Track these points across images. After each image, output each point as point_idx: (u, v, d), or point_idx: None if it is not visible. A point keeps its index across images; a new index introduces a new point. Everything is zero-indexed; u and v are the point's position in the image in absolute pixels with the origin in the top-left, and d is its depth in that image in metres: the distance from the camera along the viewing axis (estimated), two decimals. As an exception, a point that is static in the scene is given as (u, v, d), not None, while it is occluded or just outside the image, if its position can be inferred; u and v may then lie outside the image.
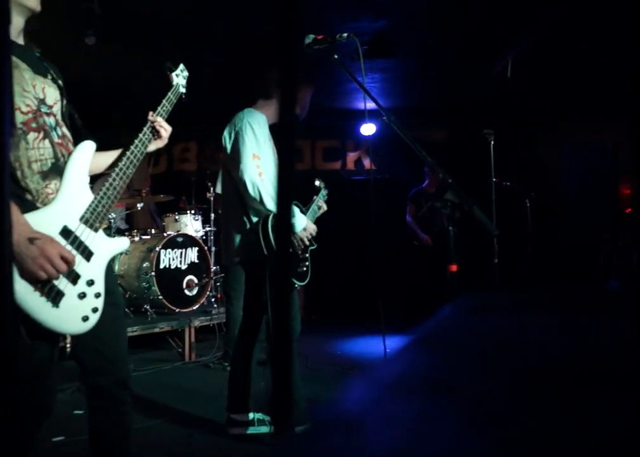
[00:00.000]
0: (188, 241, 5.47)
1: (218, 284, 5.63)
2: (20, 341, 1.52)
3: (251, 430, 2.90)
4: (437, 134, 7.68)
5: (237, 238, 2.83)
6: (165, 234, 5.41)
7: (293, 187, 0.57)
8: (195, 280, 5.41)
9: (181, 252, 5.39)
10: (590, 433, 0.40)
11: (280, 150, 0.58)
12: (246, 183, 2.70)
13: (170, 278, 5.22)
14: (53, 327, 1.56)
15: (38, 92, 1.72)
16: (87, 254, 1.68)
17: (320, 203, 3.27)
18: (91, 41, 4.59)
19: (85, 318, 1.64)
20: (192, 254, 5.48)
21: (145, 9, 4.52)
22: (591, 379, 0.51)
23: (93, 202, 1.71)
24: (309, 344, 5.26)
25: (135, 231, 5.64)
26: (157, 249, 5.11)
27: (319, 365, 4.47)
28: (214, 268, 5.56)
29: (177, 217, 5.74)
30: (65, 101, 1.85)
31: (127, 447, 1.93)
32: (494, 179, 4.26)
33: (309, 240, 2.94)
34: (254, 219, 2.77)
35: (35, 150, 1.65)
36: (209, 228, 5.80)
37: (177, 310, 5.14)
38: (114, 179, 1.76)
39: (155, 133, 1.96)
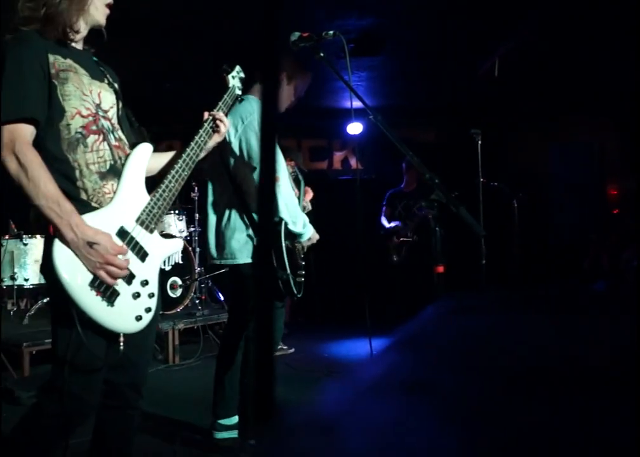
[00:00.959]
0: (171, 242, 5.39)
1: (203, 285, 5.56)
2: (76, 337, 1.58)
3: (219, 435, 2.82)
4: (425, 134, 7.67)
5: (232, 240, 2.66)
6: (148, 235, 5.32)
7: (274, 191, 0.55)
8: (179, 282, 5.34)
9: (165, 253, 5.31)
10: (571, 433, 0.40)
11: (262, 152, 0.54)
12: (255, 183, 2.59)
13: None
14: (108, 325, 1.61)
15: (94, 97, 1.76)
16: (142, 254, 1.72)
17: (304, 202, 3.15)
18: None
19: (138, 318, 1.69)
20: (176, 255, 5.40)
21: (135, 8, 4.44)
22: (573, 379, 0.51)
23: (149, 203, 1.75)
24: (296, 347, 5.23)
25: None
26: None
27: (305, 367, 4.43)
28: (199, 269, 5.49)
29: (161, 217, 5.66)
30: (120, 105, 1.88)
31: (128, 452, 1.93)
32: (481, 180, 4.24)
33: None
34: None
35: (93, 153, 1.70)
36: (194, 229, 5.73)
37: (161, 312, 5.05)
38: (170, 181, 1.81)
39: (215, 128, 2.01)
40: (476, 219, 2.04)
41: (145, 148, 1.83)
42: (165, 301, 5.18)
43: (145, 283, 1.71)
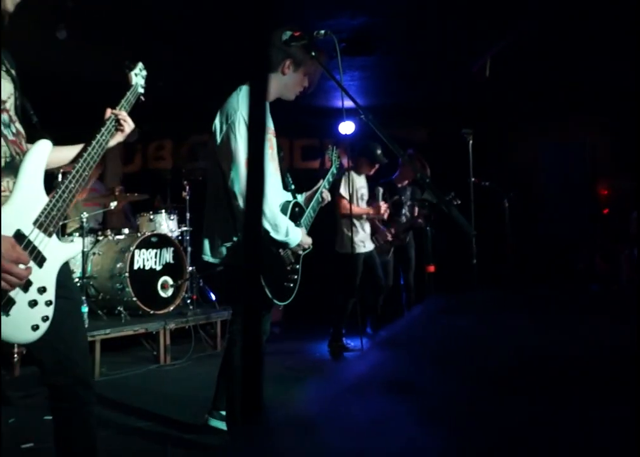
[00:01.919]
0: (163, 241, 5.37)
1: (194, 285, 5.53)
2: None
3: (212, 422, 2.90)
4: (417, 134, 7.67)
5: (221, 242, 2.58)
6: (139, 234, 5.30)
7: (263, 192, 0.54)
8: (171, 281, 5.31)
9: (156, 253, 5.28)
10: (555, 433, 0.39)
11: (250, 151, 0.53)
12: (236, 195, 2.42)
13: (144, 279, 5.11)
14: (2, 336, 1.49)
15: None
16: (39, 260, 1.61)
17: (324, 193, 3.01)
18: (62, 35, 4.48)
19: (35, 327, 1.58)
20: (167, 255, 5.38)
21: (118, 3, 4.42)
22: (560, 379, 0.51)
23: (47, 205, 1.63)
24: (286, 346, 5.22)
25: (109, 231, 5.51)
26: (131, 249, 5.00)
27: (295, 367, 4.42)
28: (190, 268, 5.47)
29: (152, 216, 5.63)
30: (18, 94, 1.75)
31: (93, 450, 1.87)
32: (472, 179, 4.25)
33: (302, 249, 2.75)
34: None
35: None
36: (185, 228, 5.70)
37: (152, 312, 5.04)
38: (70, 182, 1.69)
39: (118, 127, 1.90)
40: (467, 219, 2.04)
41: (44, 145, 1.69)
42: (156, 301, 5.16)
43: (42, 290, 1.60)
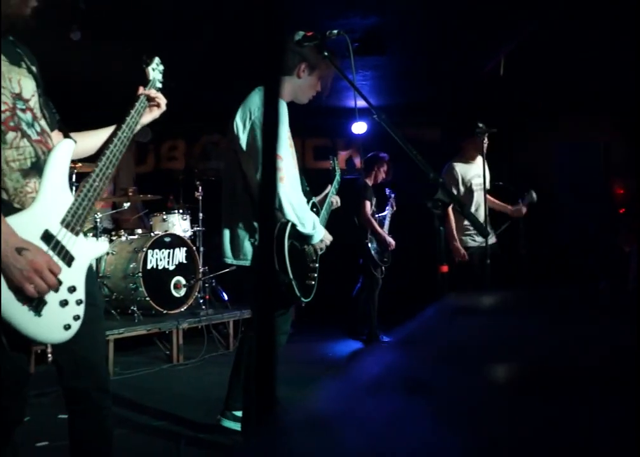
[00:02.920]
0: (176, 241, 5.39)
1: (207, 285, 5.55)
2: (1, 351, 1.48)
3: (225, 423, 2.89)
4: (430, 134, 7.64)
5: (244, 241, 2.55)
6: (152, 234, 5.33)
7: (275, 193, 0.54)
8: (183, 281, 5.33)
9: (169, 253, 5.30)
10: (573, 435, 0.39)
11: (264, 154, 0.53)
12: None
13: (157, 279, 5.13)
14: (35, 336, 1.50)
15: (14, 86, 1.62)
16: (68, 259, 1.61)
17: (333, 198, 3.07)
18: (76, 37, 4.51)
19: (67, 327, 1.58)
20: (180, 255, 5.40)
21: (131, 3, 4.44)
22: (575, 379, 0.50)
23: (73, 204, 1.63)
24: (300, 346, 5.22)
25: (122, 231, 5.55)
26: (145, 249, 5.03)
27: (309, 366, 4.42)
28: (203, 268, 5.48)
29: (165, 217, 5.65)
30: (40, 92, 1.74)
31: (108, 453, 1.88)
32: (486, 179, 4.22)
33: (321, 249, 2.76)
34: None
35: (13, 150, 1.58)
36: (198, 228, 5.72)
37: (165, 312, 5.06)
38: (94, 180, 1.69)
39: (151, 104, 1.91)
40: (480, 219, 2.02)
41: (67, 144, 1.68)
42: (169, 301, 5.18)
43: (72, 289, 1.60)
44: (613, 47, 5.21)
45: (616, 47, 5.19)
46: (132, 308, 4.92)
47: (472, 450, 0.38)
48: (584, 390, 0.48)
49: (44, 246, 1.53)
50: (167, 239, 5.32)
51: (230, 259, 2.61)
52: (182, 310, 5.25)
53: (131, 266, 5.04)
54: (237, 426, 2.84)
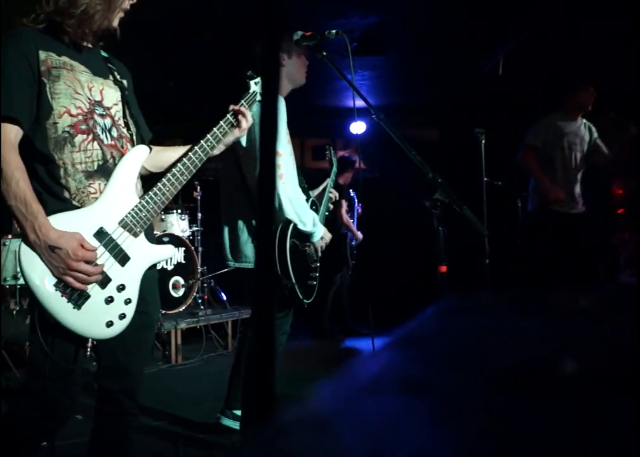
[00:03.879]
0: (174, 241, 5.38)
1: (205, 285, 5.54)
2: (37, 339, 1.55)
3: (225, 421, 2.90)
4: (429, 133, 7.64)
5: (246, 243, 2.53)
6: (151, 234, 5.31)
7: (274, 191, 0.54)
8: (182, 282, 5.32)
9: (168, 253, 5.29)
10: (572, 435, 0.39)
11: (262, 151, 0.53)
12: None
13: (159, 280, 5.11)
14: (74, 328, 1.55)
15: (94, 94, 1.71)
16: (121, 258, 1.65)
17: (332, 193, 3.05)
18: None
19: (109, 324, 1.62)
20: (179, 255, 5.39)
21: (138, 6, 4.43)
22: (574, 380, 0.50)
23: (136, 206, 1.69)
24: (298, 345, 5.22)
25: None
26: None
27: (307, 366, 4.41)
28: (201, 268, 5.48)
29: (163, 217, 5.64)
30: (127, 102, 1.83)
31: (126, 455, 1.90)
32: (485, 179, 4.22)
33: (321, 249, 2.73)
34: None
35: (81, 152, 1.64)
36: (196, 228, 5.71)
37: (163, 312, 5.05)
38: (164, 185, 1.74)
39: (235, 123, 1.95)
40: (480, 219, 2.02)
41: (140, 150, 1.76)
42: (167, 301, 5.17)
43: (121, 288, 1.63)
44: (612, 47, 5.21)
45: (616, 48, 5.19)
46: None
47: (469, 450, 0.38)
48: (584, 390, 0.48)
49: (95, 242, 1.59)
50: (165, 239, 5.30)
51: (232, 263, 2.59)
52: (180, 310, 5.25)
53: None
54: (236, 425, 2.84)
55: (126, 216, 1.66)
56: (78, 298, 1.54)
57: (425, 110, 7.33)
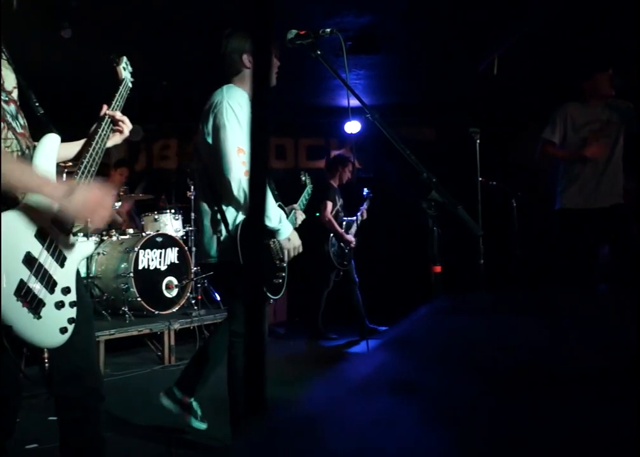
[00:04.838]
0: (168, 241, 5.36)
1: (199, 285, 5.52)
2: None
3: (194, 423, 2.92)
4: (424, 133, 7.64)
5: (208, 238, 2.57)
6: (144, 234, 5.29)
7: (265, 187, 0.53)
8: (175, 282, 5.30)
9: (161, 253, 5.27)
10: (563, 435, 0.39)
11: (253, 148, 0.52)
12: (230, 182, 2.37)
13: (149, 279, 5.10)
14: (33, 340, 1.44)
15: None
16: (62, 259, 1.57)
17: (298, 213, 2.97)
18: (67, 34, 4.47)
19: (63, 330, 1.53)
20: (172, 255, 5.37)
21: (129, 5, 4.40)
22: (566, 380, 0.50)
23: None
24: (292, 346, 5.21)
25: (113, 231, 5.50)
26: (136, 249, 4.99)
27: (300, 367, 4.40)
28: (195, 269, 5.45)
29: (156, 216, 5.62)
30: (20, 85, 1.68)
31: (102, 450, 1.83)
32: (480, 179, 4.22)
33: (287, 256, 2.72)
34: (231, 220, 2.51)
35: (1, 141, 1.53)
36: (190, 228, 5.69)
37: (156, 312, 5.03)
38: (80, 178, 1.64)
39: (115, 128, 1.86)
40: (474, 219, 2.01)
41: (54, 138, 1.65)
42: (161, 301, 5.14)
43: (66, 290, 1.56)
44: (610, 45, 5.21)
45: (614, 46, 5.19)
46: (123, 308, 4.89)
47: (460, 450, 0.37)
48: (575, 390, 0.48)
49: (38, 245, 1.49)
50: (159, 239, 5.28)
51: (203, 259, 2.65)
52: (174, 310, 5.23)
53: (122, 266, 5.00)
54: (174, 408, 2.89)
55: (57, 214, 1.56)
56: (37, 305, 1.45)
57: (419, 109, 7.33)
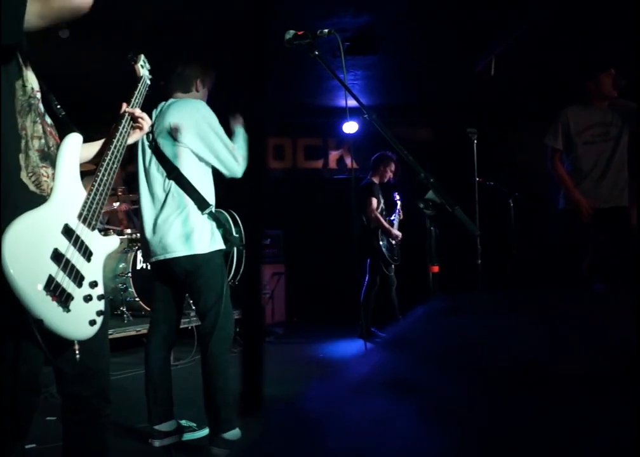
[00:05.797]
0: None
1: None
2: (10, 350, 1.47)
3: (196, 435, 2.95)
4: (421, 133, 7.65)
5: (183, 232, 2.78)
6: (142, 234, 5.28)
7: (263, 196, 0.53)
8: (173, 281, 5.28)
9: (159, 253, 5.26)
10: (559, 435, 0.39)
11: (252, 150, 0.52)
12: (238, 162, 2.64)
13: (147, 279, 5.08)
14: (64, 333, 1.48)
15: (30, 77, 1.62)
16: (88, 254, 1.60)
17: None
18: (64, 34, 4.47)
19: (92, 322, 1.57)
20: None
21: (125, 5, 4.40)
22: (564, 381, 0.50)
23: (87, 198, 1.63)
24: (291, 347, 5.21)
25: (111, 231, 5.50)
26: (134, 249, 5.00)
27: (300, 368, 4.41)
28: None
29: (155, 216, 5.61)
30: (42, 89, 1.71)
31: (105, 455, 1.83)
32: (477, 179, 4.22)
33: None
34: (202, 210, 2.77)
35: (39, 126, 1.57)
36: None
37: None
38: (103, 175, 1.69)
39: (135, 125, 1.90)
40: (472, 219, 2.02)
41: (76, 138, 1.68)
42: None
43: (94, 284, 1.59)
44: (608, 45, 5.23)
45: (612, 46, 5.20)
46: (121, 308, 4.89)
47: (457, 450, 0.38)
48: (574, 390, 0.48)
49: (65, 241, 1.53)
50: (157, 239, 5.27)
51: (172, 254, 2.91)
52: (172, 310, 5.20)
53: (121, 266, 5.01)
54: (200, 434, 2.94)
55: (82, 210, 1.61)
56: (66, 299, 1.49)
57: (417, 109, 7.34)
